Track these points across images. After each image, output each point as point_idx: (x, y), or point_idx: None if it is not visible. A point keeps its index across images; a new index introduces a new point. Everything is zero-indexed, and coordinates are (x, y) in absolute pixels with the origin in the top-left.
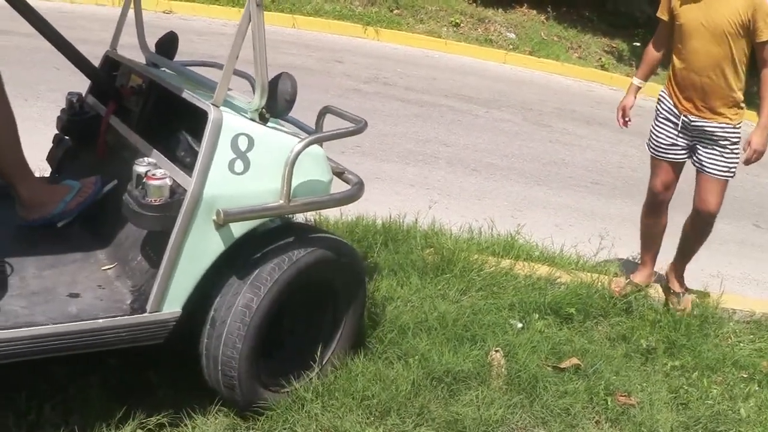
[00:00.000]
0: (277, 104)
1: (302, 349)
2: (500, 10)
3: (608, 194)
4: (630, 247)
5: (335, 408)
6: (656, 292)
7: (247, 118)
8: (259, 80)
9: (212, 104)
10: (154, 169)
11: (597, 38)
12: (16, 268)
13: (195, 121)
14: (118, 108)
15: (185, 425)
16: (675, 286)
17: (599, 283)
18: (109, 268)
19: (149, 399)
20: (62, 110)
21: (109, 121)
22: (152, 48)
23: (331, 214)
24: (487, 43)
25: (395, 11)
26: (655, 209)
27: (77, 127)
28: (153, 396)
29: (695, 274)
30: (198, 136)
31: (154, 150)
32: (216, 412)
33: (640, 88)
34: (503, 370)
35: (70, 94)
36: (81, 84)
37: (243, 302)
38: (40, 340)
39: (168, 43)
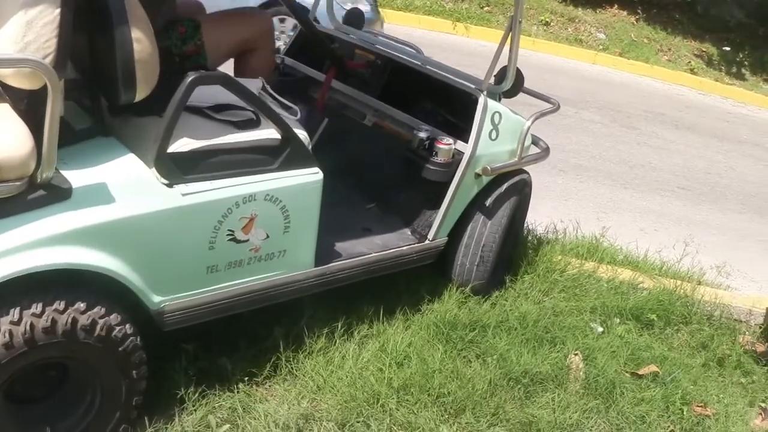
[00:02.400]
0: (514, 90)
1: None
2: (590, 9)
3: (694, 200)
4: (714, 254)
5: (410, 404)
6: (740, 301)
7: (495, 99)
8: (511, 71)
9: (480, 90)
10: (440, 136)
11: (687, 41)
12: None
13: (445, 96)
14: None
15: (257, 411)
16: None
17: (682, 290)
18: (371, 207)
19: (223, 385)
20: None
21: (330, 84)
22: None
23: None
24: (577, 43)
25: (485, 8)
26: None
27: (288, 87)
28: (227, 382)
29: None
30: (450, 108)
31: (402, 114)
32: (287, 400)
33: None
34: (581, 374)
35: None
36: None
37: (500, 221)
38: (366, 266)
39: (354, 17)
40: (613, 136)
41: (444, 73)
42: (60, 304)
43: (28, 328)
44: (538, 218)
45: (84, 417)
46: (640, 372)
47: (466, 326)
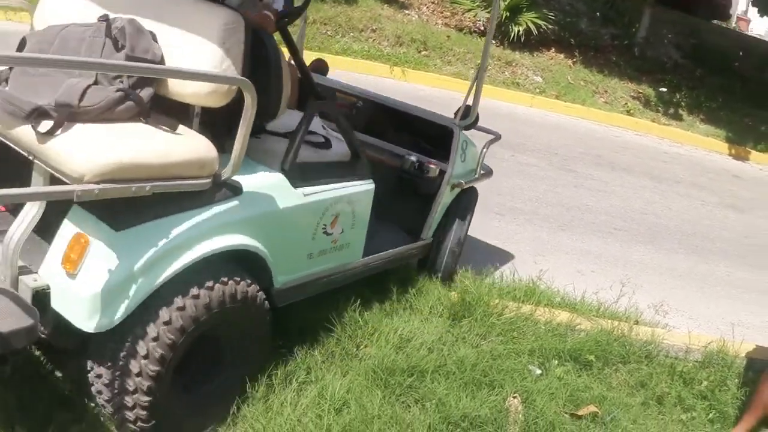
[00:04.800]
0: (473, 124)
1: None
2: (528, 53)
3: (631, 240)
4: (651, 294)
5: None
6: (677, 339)
7: (461, 129)
8: (476, 107)
9: (455, 124)
10: (426, 160)
11: (623, 83)
12: None
13: (425, 128)
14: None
15: None
16: None
17: (619, 330)
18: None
19: None
20: None
21: None
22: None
23: None
24: (514, 86)
25: (423, 52)
26: None
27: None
28: None
29: (714, 321)
30: (427, 138)
31: (386, 144)
32: None
33: None
34: (520, 416)
35: None
36: None
37: (465, 222)
38: (388, 259)
39: (320, 66)
40: (550, 179)
41: (419, 111)
42: (223, 280)
43: (208, 297)
44: (475, 262)
45: (227, 372)
46: (580, 413)
47: (405, 371)
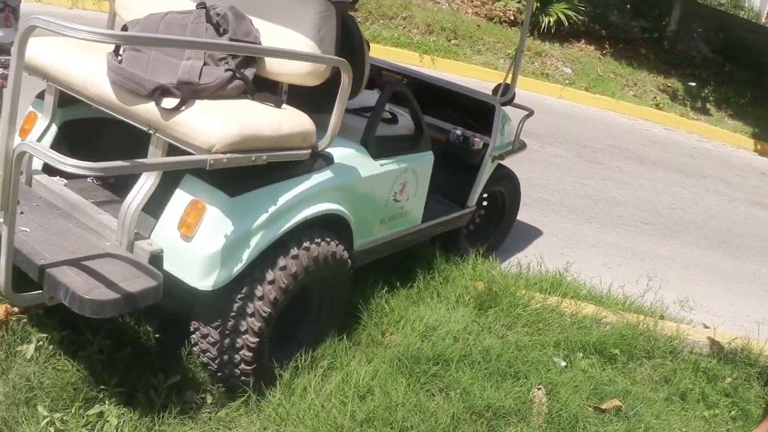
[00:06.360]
0: (510, 101)
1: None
2: (558, 44)
3: (658, 234)
4: (677, 289)
5: None
6: (702, 335)
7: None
8: (514, 85)
9: (496, 100)
10: (470, 133)
11: (653, 76)
12: None
13: (465, 104)
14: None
15: None
16: None
17: (644, 325)
18: None
19: (185, 416)
20: None
21: None
22: None
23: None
24: (544, 77)
25: (453, 41)
26: None
27: None
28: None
29: (739, 318)
30: (467, 113)
31: (429, 118)
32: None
33: None
34: (544, 408)
35: None
36: None
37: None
38: (442, 224)
39: None
40: (578, 171)
41: (460, 88)
42: (317, 241)
43: (317, 251)
44: (501, 253)
45: (314, 322)
46: (603, 406)
47: (430, 360)
